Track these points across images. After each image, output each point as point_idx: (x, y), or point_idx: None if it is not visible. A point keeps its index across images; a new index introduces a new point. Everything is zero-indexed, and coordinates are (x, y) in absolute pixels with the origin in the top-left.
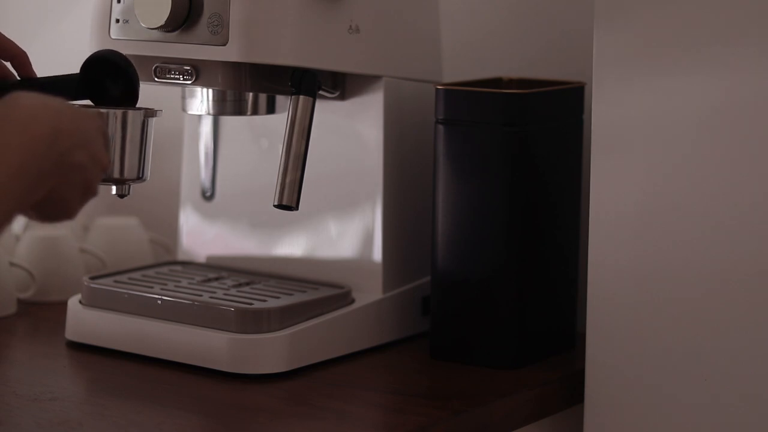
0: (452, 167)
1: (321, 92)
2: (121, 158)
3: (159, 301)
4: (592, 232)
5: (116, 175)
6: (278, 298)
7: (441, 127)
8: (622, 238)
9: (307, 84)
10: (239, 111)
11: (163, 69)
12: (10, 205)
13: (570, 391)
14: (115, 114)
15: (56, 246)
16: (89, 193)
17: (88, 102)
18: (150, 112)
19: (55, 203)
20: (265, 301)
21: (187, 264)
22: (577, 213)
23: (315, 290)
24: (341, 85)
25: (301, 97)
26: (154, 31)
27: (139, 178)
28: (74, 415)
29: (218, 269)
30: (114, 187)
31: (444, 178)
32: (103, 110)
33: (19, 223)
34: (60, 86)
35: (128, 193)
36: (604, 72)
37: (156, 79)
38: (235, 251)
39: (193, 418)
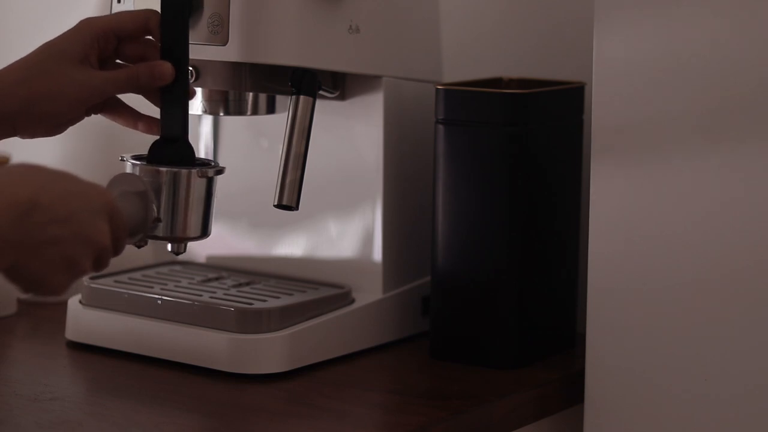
0: (452, 167)
1: (321, 92)
2: (185, 217)
3: (159, 301)
4: (592, 232)
5: (179, 233)
6: (278, 298)
7: (441, 127)
8: (622, 238)
9: (307, 84)
10: (239, 111)
11: None
12: None
13: (570, 391)
14: (175, 173)
15: None
16: (76, 271)
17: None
18: (214, 171)
19: (28, 278)
20: (265, 301)
21: (187, 264)
22: (577, 213)
23: (315, 290)
24: (341, 85)
25: (301, 97)
26: None
27: (202, 235)
28: (74, 415)
29: (218, 269)
30: (169, 245)
31: (444, 178)
32: (163, 169)
33: None
34: None
35: (184, 251)
36: (604, 72)
37: None
38: (235, 251)
39: (193, 418)
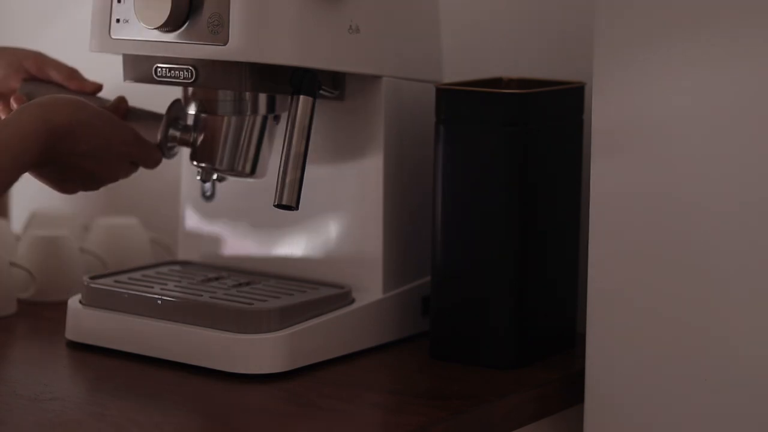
0: (452, 167)
1: (321, 92)
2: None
3: (159, 301)
4: (592, 232)
5: (224, 167)
6: (278, 298)
7: (441, 127)
8: (622, 238)
9: (307, 84)
10: (239, 111)
11: (164, 69)
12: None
13: (570, 391)
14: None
15: (56, 246)
16: (88, 188)
17: None
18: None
19: (59, 175)
20: (265, 301)
21: (187, 264)
22: (577, 213)
23: (315, 290)
24: (341, 85)
25: (301, 97)
26: (154, 31)
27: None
28: (74, 415)
29: (218, 269)
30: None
31: (444, 178)
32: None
33: (19, 223)
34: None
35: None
36: (604, 72)
37: (156, 78)
38: (235, 251)
39: (193, 418)
